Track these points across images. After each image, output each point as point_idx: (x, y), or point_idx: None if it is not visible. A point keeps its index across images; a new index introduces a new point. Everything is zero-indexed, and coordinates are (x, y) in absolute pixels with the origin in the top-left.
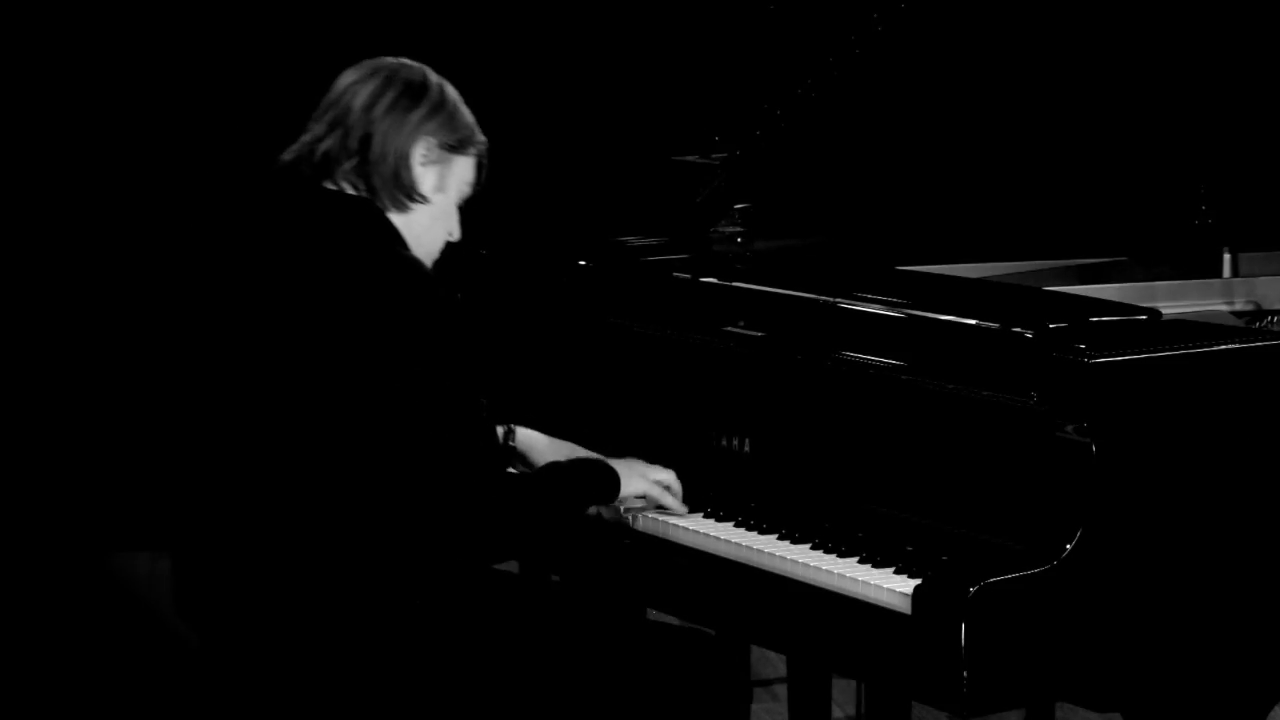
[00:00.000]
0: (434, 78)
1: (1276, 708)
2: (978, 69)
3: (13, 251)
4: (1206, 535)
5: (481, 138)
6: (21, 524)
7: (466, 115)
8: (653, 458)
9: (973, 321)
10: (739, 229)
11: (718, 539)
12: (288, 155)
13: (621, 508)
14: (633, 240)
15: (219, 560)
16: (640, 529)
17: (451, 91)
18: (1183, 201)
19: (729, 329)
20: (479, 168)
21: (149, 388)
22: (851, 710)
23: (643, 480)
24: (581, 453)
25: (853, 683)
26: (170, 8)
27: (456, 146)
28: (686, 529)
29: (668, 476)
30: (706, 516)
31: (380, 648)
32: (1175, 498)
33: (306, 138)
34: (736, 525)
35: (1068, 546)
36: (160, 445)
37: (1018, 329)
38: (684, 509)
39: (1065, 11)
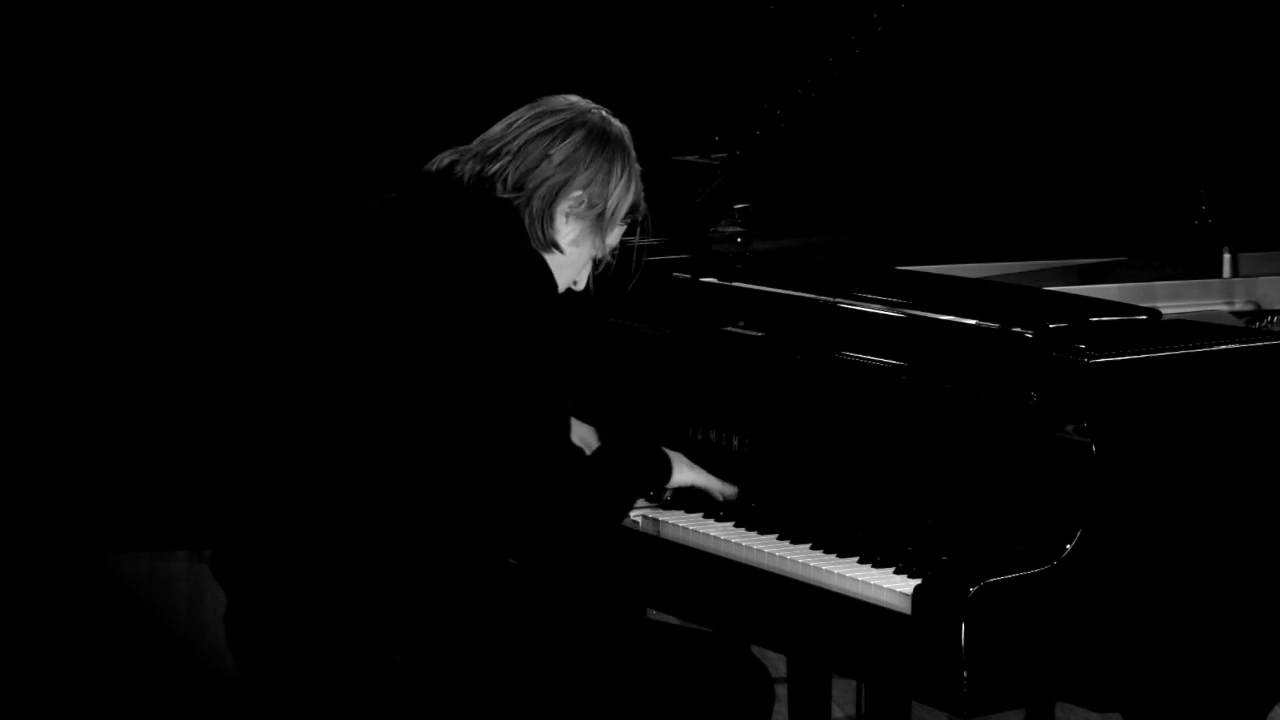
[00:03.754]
0: (618, 136)
1: (1276, 708)
2: (978, 69)
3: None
4: (1206, 535)
5: (642, 210)
6: (21, 524)
7: (631, 184)
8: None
9: (973, 321)
10: (739, 229)
11: (717, 539)
12: (448, 156)
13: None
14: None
15: (271, 532)
16: (640, 529)
17: (633, 157)
18: (1183, 201)
19: (729, 329)
20: (629, 236)
21: (153, 386)
22: (851, 710)
23: (691, 470)
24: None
25: (853, 683)
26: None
27: (611, 211)
28: (686, 528)
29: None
30: (706, 516)
31: (385, 645)
32: (1175, 498)
33: (475, 147)
34: (736, 525)
35: (1068, 546)
36: (166, 444)
37: (1018, 329)
38: (733, 490)
39: (1065, 11)
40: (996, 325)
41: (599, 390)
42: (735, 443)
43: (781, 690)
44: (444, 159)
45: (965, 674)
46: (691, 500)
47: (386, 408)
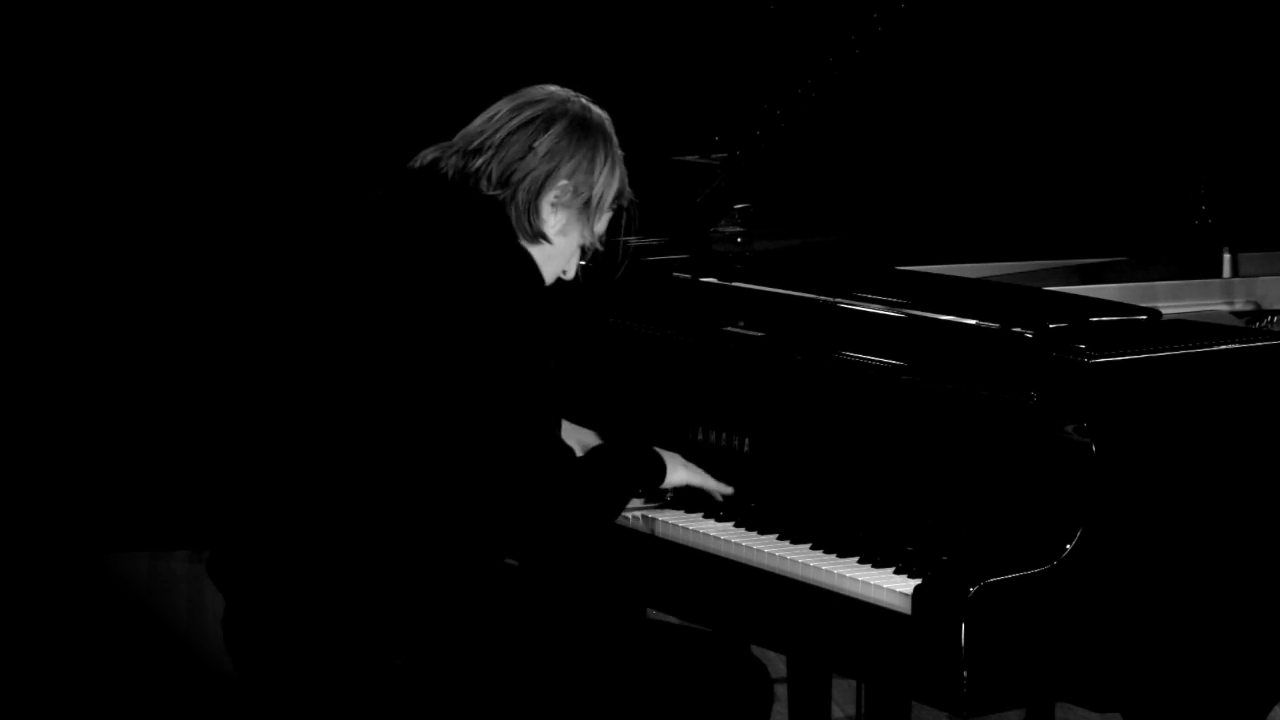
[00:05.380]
0: (599, 124)
1: (1276, 708)
2: (978, 69)
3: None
4: (1206, 535)
5: (627, 197)
6: (21, 524)
7: (615, 172)
8: None
9: (973, 321)
10: (739, 229)
11: (717, 539)
12: (431, 153)
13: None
14: (633, 240)
15: (268, 534)
16: (636, 528)
17: (615, 144)
18: (1183, 201)
19: (729, 329)
20: (615, 223)
21: (154, 387)
22: (851, 710)
23: (686, 470)
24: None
25: (853, 683)
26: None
27: (596, 200)
28: (686, 528)
29: (702, 473)
30: (706, 516)
31: (394, 639)
32: (1175, 498)
33: (458, 143)
34: (736, 525)
35: (1068, 546)
36: (165, 444)
37: (1018, 329)
38: (728, 489)
39: (1065, 11)
40: (996, 325)
41: (599, 390)
42: (735, 443)
43: (781, 690)
44: (427, 156)
45: (965, 674)
46: (692, 500)
47: (379, 408)
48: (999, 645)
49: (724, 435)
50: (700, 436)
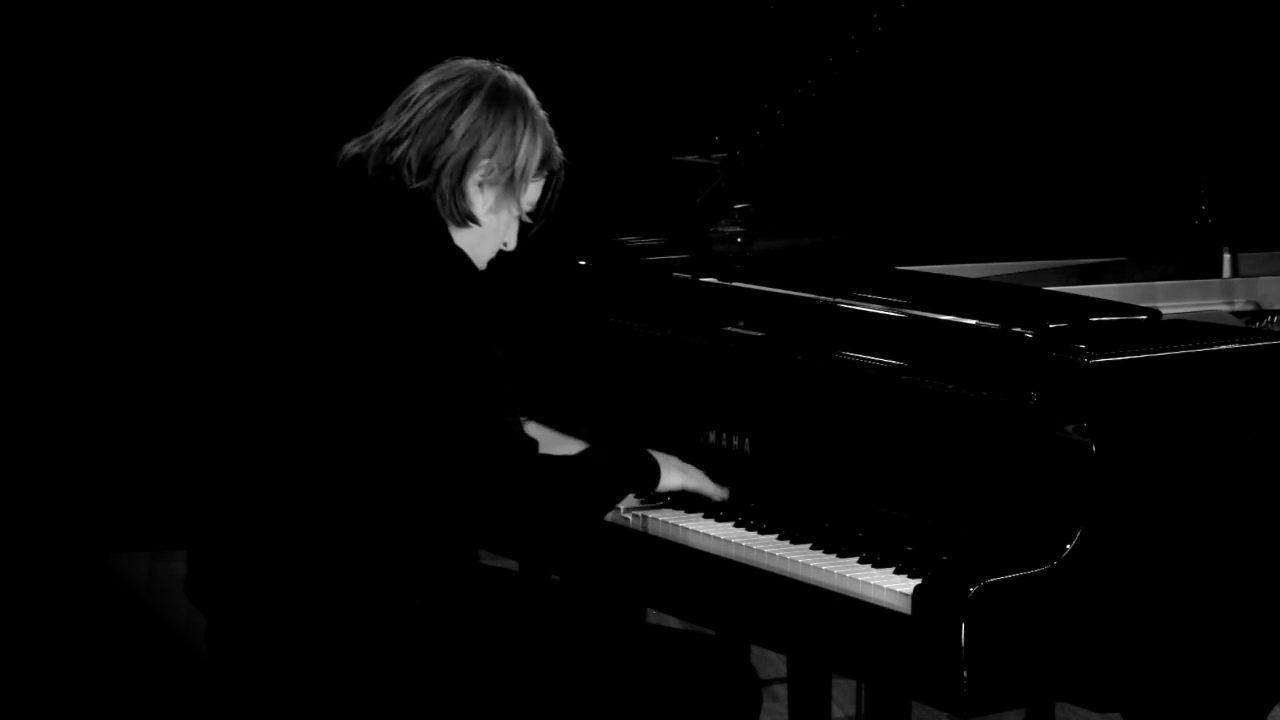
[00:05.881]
0: (515, 91)
1: (1277, 708)
2: (977, 69)
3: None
4: (1206, 535)
5: (557, 158)
6: (21, 524)
7: (538, 138)
8: None
9: (972, 321)
10: (739, 229)
11: (717, 539)
12: (354, 148)
13: (622, 507)
14: (633, 240)
15: (241, 550)
16: (639, 528)
17: (533, 107)
18: (1183, 201)
19: (729, 329)
20: (547, 188)
21: (153, 386)
22: (851, 710)
23: (681, 473)
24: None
25: (853, 683)
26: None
27: (520, 171)
28: (686, 529)
29: (700, 475)
30: (706, 516)
31: (381, 646)
32: (1175, 498)
33: (377, 135)
34: (736, 525)
35: (1068, 546)
36: (165, 444)
37: (1017, 329)
38: (724, 493)
39: (1065, 11)
40: (996, 325)
41: (598, 390)
42: (735, 442)
43: (781, 690)
44: (349, 151)
45: (965, 674)
46: (690, 499)
47: (332, 416)
48: (999, 645)
49: (724, 435)
50: (700, 436)
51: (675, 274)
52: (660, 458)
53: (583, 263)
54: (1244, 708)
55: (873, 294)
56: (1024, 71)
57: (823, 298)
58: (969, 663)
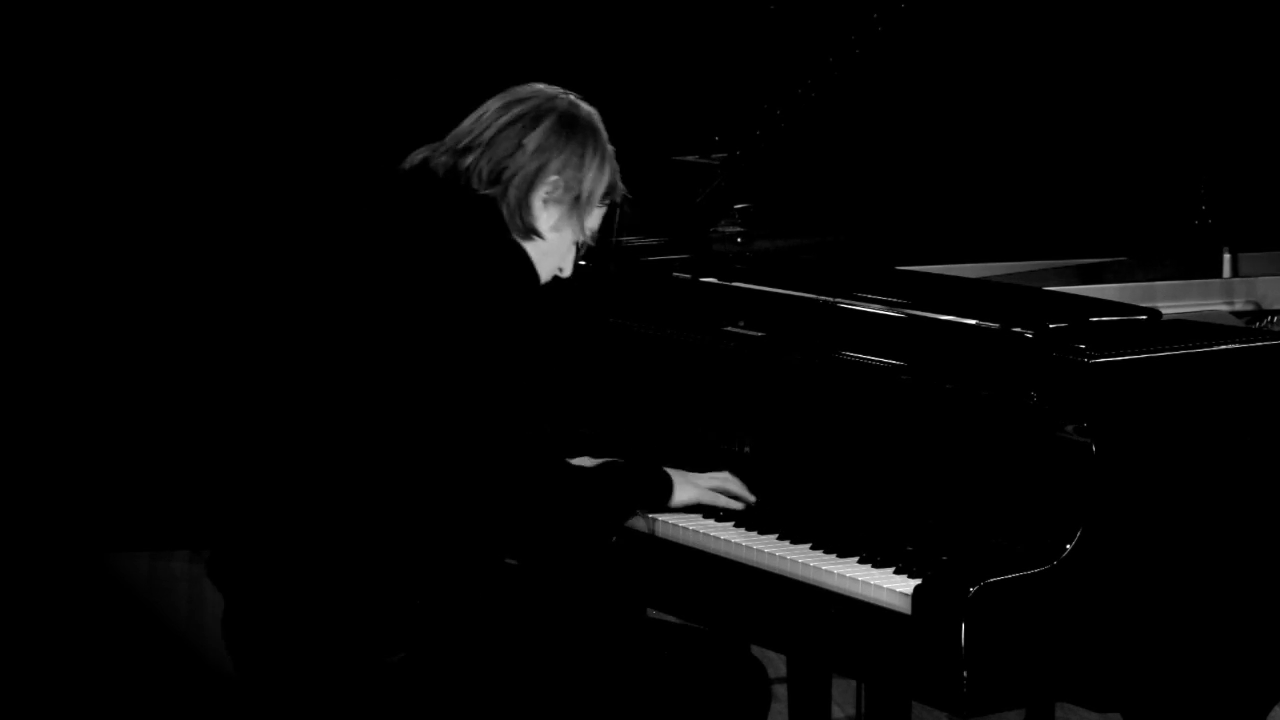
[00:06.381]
0: (587, 120)
1: (1277, 708)
2: (977, 69)
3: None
4: (1206, 535)
5: (619, 192)
6: (21, 524)
7: (605, 167)
8: (653, 458)
9: (973, 321)
10: (739, 229)
11: (718, 539)
12: (422, 153)
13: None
14: (633, 240)
15: (265, 535)
16: (640, 529)
17: (604, 140)
18: (1183, 201)
19: (729, 329)
20: (609, 218)
21: (154, 387)
22: (851, 710)
23: (694, 488)
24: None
25: (853, 683)
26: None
27: (586, 195)
28: (687, 528)
29: (719, 481)
30: (706, 516)
31: (383, 645)
32: (1175, 498)
33: (448, 143)
34: (736, 525)
35: (1068, 546)
36: (166, 444)
37: (1018, 329)
38: (738, 505)
39: (1065, 11)
40: (996, 325)
41: (599, 390)
42: (735, 442)
43: (781, 690)
44: (417, 157)
45: (965, 674)
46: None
47: (376, 408)
48: (999, 645)
49: (724, 435)
50: (700, 436)
51: (675, 274)
52: (675, 475)
53: (583, 263)
54: (1244, 708)
55: (873, 294)
56: (1024, 72)
57: (823, 298)
58: (969, 663)
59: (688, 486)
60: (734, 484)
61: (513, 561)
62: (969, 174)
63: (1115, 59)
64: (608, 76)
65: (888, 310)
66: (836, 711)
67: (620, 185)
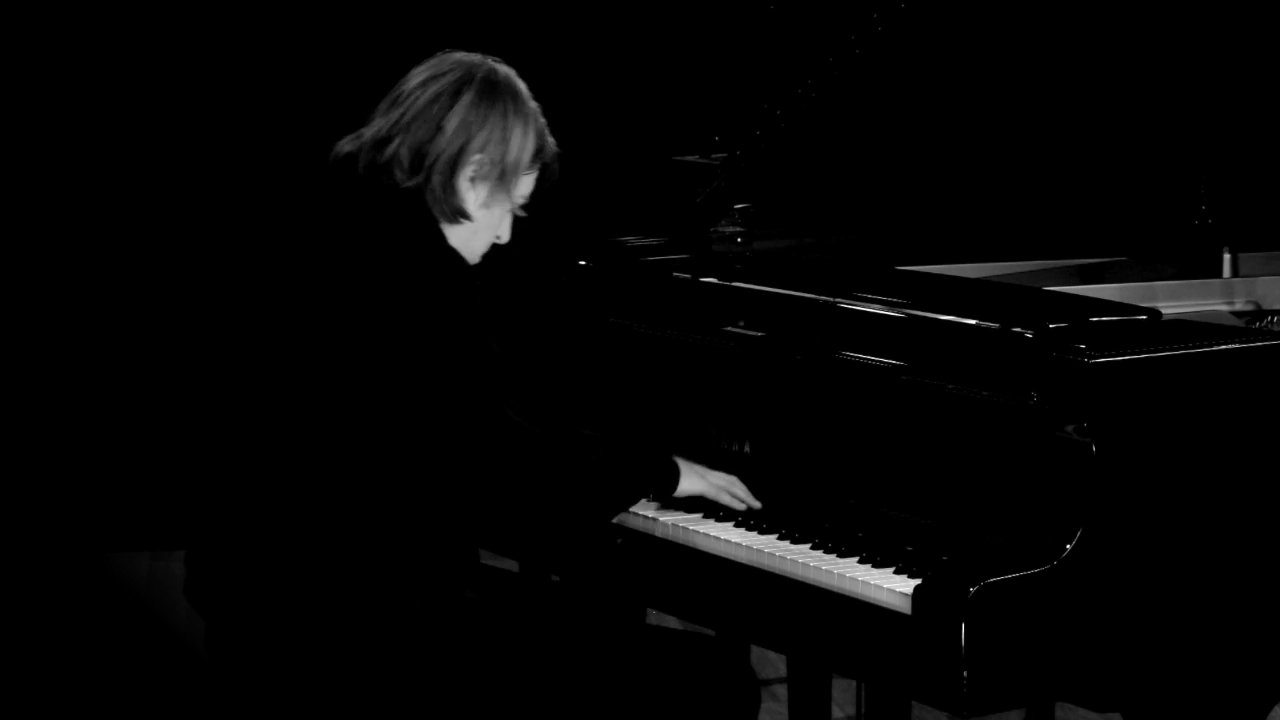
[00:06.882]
0: (506, 84)
1: (1277, 708)
2: (977, 69)
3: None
4: (1206, 535)
5: (549, 152)
6: (21, 524)
7: (529, 131)
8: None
9: (973, 321)
10: (739, 229)
11: (717, 539)
12: (347, 145)
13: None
14: (633, 240)
15: (239, 552)
16: (639, 529)
17: (524, 100)
18: (1183, 201)
19: (729, 329)
20: (541, 179)
21: (153, 386)
22: (851, 710)
23: (701, 480)
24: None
25: (853, 683)
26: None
27: (512, 166)
28: (687, 529)
29: (726, 481)
30: (706, 516)
31: (381, 647)
32: (1175, 498)
33: (368, 132)
34: (736, 525)
35: (1068, 546)
36: (165, 444)
37: (1018, 329)
38: (740, 505)
39: (1065, 11)
40: (996, 325)
41: (598, 390)
42: (735, 443)
43: (781, 690)
44: (342, 149)
45: (965, 674)
46: (693, 499)
47: (329, 415)
48: (999, 645)
49: (724, 435)
50: (700, 436)
51: (675, 274)
52: (681, 464)
53: (583, 263)
54: (1244, 708)
55: (873, 294)
56: (1024, 71)
57: (823, 298)
58: (969, 663)
59: (695, 477)
60: (739, 488)
61: (513, 563)
62: (969, 174)
63: (1115, 59)
64: (608, 77)
65: (888, 310)
66: (836, 711)
67: (550, 144)
